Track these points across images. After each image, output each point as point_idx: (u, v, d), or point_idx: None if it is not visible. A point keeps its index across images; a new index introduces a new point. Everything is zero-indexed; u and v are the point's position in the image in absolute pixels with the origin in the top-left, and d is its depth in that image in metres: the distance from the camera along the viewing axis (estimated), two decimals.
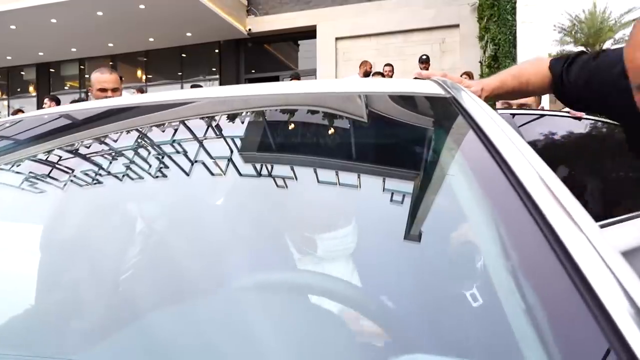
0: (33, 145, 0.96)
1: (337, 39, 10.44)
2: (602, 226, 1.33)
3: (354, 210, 0.69)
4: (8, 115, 8.33)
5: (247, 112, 0.93)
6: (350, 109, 0.89)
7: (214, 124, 0.89)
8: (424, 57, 6.20)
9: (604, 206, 1.86)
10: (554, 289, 0.42)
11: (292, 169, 0.73)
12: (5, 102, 14.28)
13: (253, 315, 0.54)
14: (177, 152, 0.79)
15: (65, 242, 0.74)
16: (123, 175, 0.79)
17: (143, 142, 0.87)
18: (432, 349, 0.47)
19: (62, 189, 0.80)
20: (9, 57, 13.11)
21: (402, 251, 0.58)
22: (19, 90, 14.48)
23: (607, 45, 10.10)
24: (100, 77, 2.52)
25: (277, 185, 0.71)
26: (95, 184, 0.80)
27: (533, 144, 1.69)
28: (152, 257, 0.70)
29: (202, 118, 0.93)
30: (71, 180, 0.80)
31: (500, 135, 0.59)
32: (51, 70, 13.82)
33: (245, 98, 0.99)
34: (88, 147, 0.89)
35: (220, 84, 11.26)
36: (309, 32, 10.81)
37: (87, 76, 13.75)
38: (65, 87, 13.92)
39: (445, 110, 0.78)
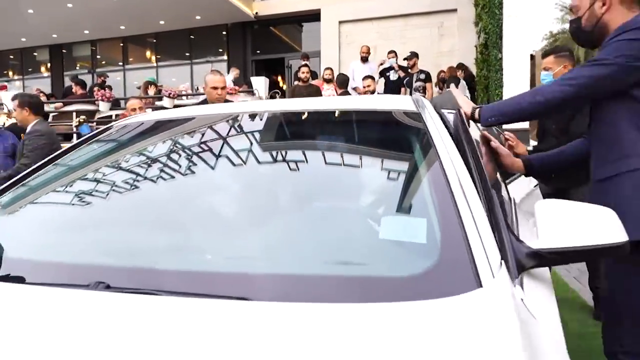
0: (140, 141, 1.58)
1: (340, 22, 10.90)
2: (509, 182, 1.99)
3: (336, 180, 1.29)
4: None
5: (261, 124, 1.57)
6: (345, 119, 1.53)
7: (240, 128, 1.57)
8: (410, 54, 6.74)
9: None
10: (448, 220, 0.93)
11: (291, 163, 1.34)
12: (20, 82, 14.80)
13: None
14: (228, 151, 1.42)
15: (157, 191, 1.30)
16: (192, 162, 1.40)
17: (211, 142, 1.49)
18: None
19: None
20: (23, 39, 13.56)
21: (360, 201, 1.23)
22: (31, 70, 14.98)
23: None
24: (213, 78, 3.28)
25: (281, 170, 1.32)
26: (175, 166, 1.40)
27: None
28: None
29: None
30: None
31: (438, 136, 1.20)
32: (64, 51, 14.28)
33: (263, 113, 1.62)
34: (174, 144, 1.51)
35: (228, 65, 11.74)
36: (313, 16, 11.28)
37: (98, 57, 14.26)
38: (77, 68, 14.41)
39: (413, 121, 1.35)
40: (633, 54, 1.35)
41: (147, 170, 1.38)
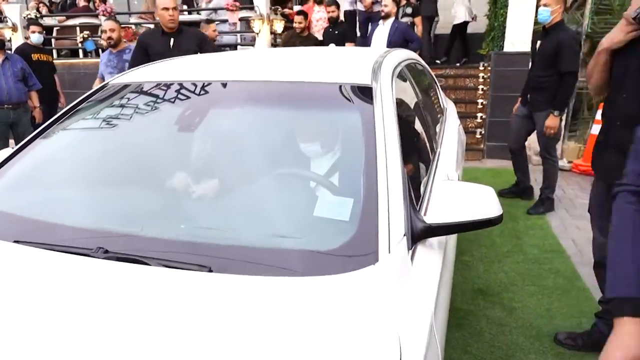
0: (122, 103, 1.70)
1: None
2: None
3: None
4: None
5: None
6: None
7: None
8: None
9: None
10: (368, 200, 1.17)
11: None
12: None
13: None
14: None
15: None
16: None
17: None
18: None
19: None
20: None
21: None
22: None
23: None
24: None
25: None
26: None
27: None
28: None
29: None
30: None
31: (380, 115, 1.37)
32: None
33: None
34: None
35: None
36: None
37: None
38: None
39: (359, 97, 1.45)
40: None
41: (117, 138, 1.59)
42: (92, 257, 1.07)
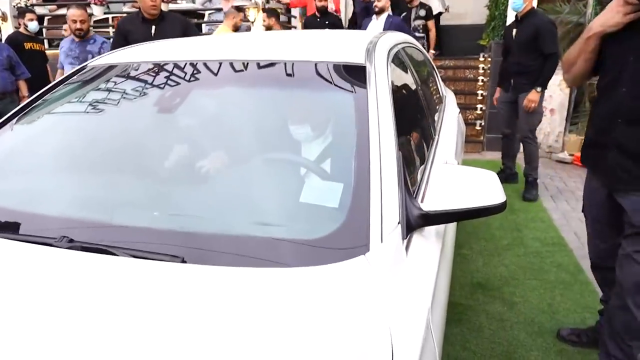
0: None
1: None
2: None
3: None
4: None
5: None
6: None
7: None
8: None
9: None
10: (359, 186, 1.07)
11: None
12: None
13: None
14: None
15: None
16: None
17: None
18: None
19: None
20: None
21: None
22: None
23: None
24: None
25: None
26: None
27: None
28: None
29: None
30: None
31: (374, 96, 1.25)
32: None
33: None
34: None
35: None
36: None
37: None
38: None
39: (353, 77, 1.36)
40: None
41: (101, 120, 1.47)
42: (55, 246, 0.97)
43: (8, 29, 6.95)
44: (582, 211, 1.95)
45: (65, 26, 5.94)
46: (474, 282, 2.69)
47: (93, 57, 3.97)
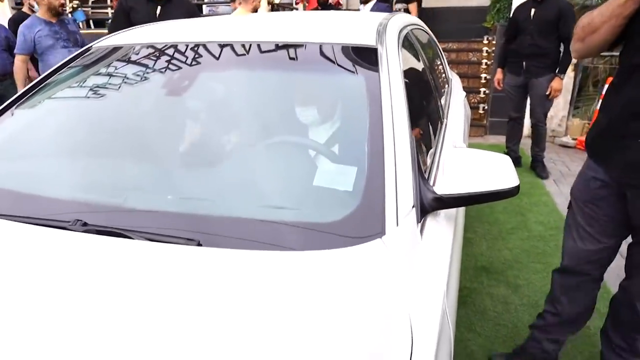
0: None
1: None
2: None
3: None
4: None
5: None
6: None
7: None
8: None
9: None
10: (373, 169, 1.05)
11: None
12: None
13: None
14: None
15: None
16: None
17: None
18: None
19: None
20: None
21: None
22: None
23: None
24: None
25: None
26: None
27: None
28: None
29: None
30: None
31: (386, 78, 1.24)
32: None
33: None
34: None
35: None
36: None
37: None
38: None
39: (364, 59, 1.35)
40: None
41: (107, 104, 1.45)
42: (69, 230, 0.97)
43: (5, 10, 6.86)
44: (568, 207, 1.72)
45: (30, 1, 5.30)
46: (478, 265, 2.70)
47: (78, 38, 3.87)
